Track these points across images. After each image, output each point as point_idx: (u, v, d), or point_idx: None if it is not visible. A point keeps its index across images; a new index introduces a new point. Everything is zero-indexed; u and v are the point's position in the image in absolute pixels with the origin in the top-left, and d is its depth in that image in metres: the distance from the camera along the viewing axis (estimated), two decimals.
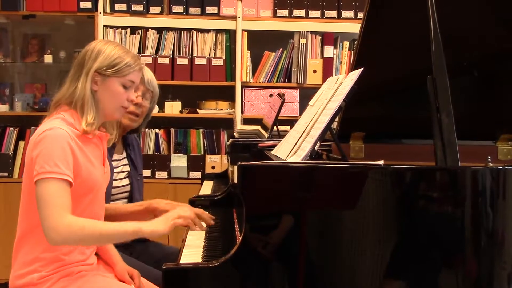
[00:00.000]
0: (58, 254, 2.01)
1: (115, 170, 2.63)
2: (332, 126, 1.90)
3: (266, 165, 1.68)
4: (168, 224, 1.93)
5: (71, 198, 1.93)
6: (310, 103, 2.21)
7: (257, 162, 1.67)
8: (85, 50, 2.11)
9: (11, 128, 4.48)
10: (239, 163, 1.64)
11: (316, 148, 1.84)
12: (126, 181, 2.70)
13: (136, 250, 2.65)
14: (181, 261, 1.88)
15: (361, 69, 1.84)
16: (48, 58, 4.55)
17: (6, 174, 4.41)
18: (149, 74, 2.69)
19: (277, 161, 1.89)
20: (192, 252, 1.99)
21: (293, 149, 1.93)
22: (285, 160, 1.89)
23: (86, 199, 2.02)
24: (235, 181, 1.82)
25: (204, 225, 2.14)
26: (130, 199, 2.70)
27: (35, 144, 1.98)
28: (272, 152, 2.21)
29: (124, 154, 2.74)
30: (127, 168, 2.72)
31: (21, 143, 4.45)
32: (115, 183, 2.61)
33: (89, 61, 2.07)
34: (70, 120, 2.04)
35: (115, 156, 2.66)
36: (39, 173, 1.91)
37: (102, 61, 2.07)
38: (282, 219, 1.63)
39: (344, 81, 1.94)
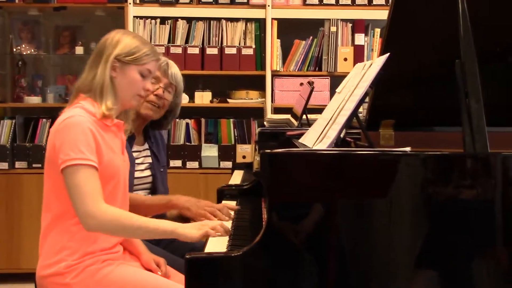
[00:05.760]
0: (84, 242, 2.03)
1: (136, 161, 2.63)
2: (359, 113, 1.86)
3: (289, 153, 1.64)
4: (200, 232, 1.92)
5: None
6: (337, 90, 2.18)
7: (280, 150, 1.64)
8: (105, 38, 2.15)
9: (43, 120, 4.54)
10: (262, 151, 1.62)
11: (342, 135, 1.81)
12: (148, 172, 2.70)
13: (163, 242, 2.64)
14: (205, 251, 1.86)
15: (387, 55, 1.80)
16: (79, 50, 4.59)
17: (39, 165, 4.43)
18: (174, 69, 2.69)
19: (301, 149, 1.87)
20: (218, 242, 1.97)
21: (319, 136, 1.91)
22: (311, 147, 1.86)
23: (108, 187, 2.04)
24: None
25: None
26: (154, 190, 2.70)
27: (56, 132, 2.01)
28: (300, 140, 2.18)
29: (146, 146, 2.74)
30: (149, 159, 2.72)
31: None
32: (136, 174, 2.61)
33: (108, 48, 2.11)
34: (89, 109, 2.06)
35: (135, 148, 2.66)
36: (64, 161, 1.95)
37: (122, 48, 2.11)
38: (305, 207, 1.60)
39: (370, 67, 1.90)
